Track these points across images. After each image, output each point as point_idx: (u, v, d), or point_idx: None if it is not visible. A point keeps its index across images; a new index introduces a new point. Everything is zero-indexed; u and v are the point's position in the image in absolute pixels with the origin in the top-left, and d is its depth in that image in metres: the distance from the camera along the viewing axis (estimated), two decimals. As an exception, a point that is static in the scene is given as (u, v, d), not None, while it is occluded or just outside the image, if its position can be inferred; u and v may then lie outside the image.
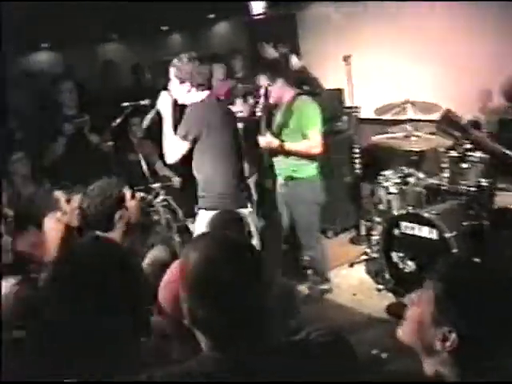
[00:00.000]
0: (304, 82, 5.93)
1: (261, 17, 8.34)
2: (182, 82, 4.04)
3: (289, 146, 4.89)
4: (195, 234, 4.28)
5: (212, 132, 3.99)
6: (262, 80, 4.88)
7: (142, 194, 6.06)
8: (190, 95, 4.07)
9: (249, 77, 6.11)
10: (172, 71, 4.06)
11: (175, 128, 4.04)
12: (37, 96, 6.59)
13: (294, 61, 6.44)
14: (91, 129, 5.47)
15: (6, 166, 5.15)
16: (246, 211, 4.11)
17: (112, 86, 6.81)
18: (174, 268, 2.21)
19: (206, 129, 3.96)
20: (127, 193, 3.08)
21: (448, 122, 4.23)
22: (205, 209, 4.10)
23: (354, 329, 4.48)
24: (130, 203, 3.05)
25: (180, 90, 4.06)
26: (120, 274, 1.66)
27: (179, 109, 4.13)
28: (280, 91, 4.91)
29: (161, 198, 6.04)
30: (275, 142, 4.89)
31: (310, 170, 4.99)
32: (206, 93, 4.09)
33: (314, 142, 4.84)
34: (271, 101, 4.93)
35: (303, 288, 5.37)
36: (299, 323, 3.17)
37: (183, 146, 4.01)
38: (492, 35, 5.99)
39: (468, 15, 6.16)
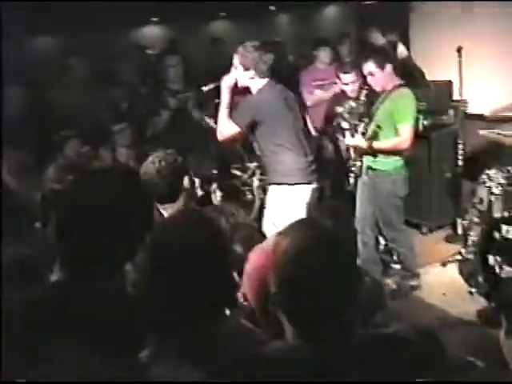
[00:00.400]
0: (408, 73, 5.77)
1: (371, 2, 8.16)
2: (247, 69, 4.27)
3: (377, 145, 4.78)
4: (267, 209, 4.57)
5: (273, 117, 4.26)
6: (370, 66, 4.77)
7: (237, 173, 6.15)
8: (251, 81, 4.32)
9: (356, 62, 5.99)
10: (237, 58, 4.30)
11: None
12: (144, 69, 6.73)
13: (401, 49, 6.28)
14: (195, 105, 5.54)
15: (108, 136, 5.30)
16: (312, 186, 4.41)
17: (217, 63, 6.86)
18: (257, 254, 2.18)
19: (263, 116, 4.25)
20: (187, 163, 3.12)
21: None
22: (274, 184, 4.43)
23: (441, 329, 4.35)
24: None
25: (243, 77, 4.30)
26: (210, 245, 1.65)
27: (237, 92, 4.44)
28: (386, 79, 4.79)
29: (256, 177, 6.07)
30: (363, 144, 4.80)
31: (393, 162, 4.87)
32: (266, 80, 4.33)
33: (403, 137, 4.74)
34: (377, 88, 4.84)
35: (390, 282, 5.26)
36: (386, 318, 3.11)
37: (234, 129, 4.31)
38: None
39: None
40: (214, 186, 4.34)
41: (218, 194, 4.29)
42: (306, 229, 1.67)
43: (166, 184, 3.02)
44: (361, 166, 5.01)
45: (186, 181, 3.09)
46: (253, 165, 6.11)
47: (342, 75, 5.40)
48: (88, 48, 7.11)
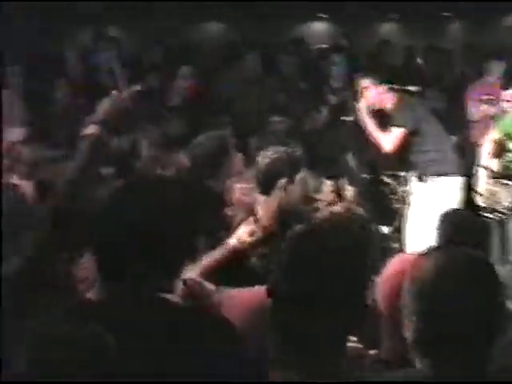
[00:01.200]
0: None
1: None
2: (378, 85, 4.75)
3: None
4: (416, 208, 4.92)
5: (426, 113, 4.88)
6: None
7: (388, 180, 5.98)
8: (385, 96, 4.76)
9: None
10: (366, 79, 4.79)
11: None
12: (307, 64, 6.74)
13: None
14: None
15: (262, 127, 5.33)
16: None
17: (383, 64, 6.72)
18: (398, 261, 2.06)
19: (421, 113, 4.82)
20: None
21: None
22: (435, 175, 4.79)
23: None
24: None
25: (376, 94, 4.75)
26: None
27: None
28: None
29: (406, 187, 5.88)
30: None
31: None
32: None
33: None
34: None
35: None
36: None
37: (400, 132, 4.68)
38: None
39: None
40: (343, 180, 4.35)
41: (350, 188, 4.26)
42: (447, 255, 1.56)
43: (272, 176, 2.97)
44: None
45: (299, 175, 3.03)
46: (404, 174, 5.91)
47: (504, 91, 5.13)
48: (255, 38, 7.26)
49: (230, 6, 7.87)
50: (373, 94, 4.77)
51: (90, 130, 2.54)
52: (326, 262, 1.47)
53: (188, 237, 1.59)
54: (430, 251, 1.59)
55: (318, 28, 8.97)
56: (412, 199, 5.03)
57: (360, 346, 2.00)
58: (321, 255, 1.48)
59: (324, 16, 9.02)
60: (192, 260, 2.25)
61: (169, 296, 1.59)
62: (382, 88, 4.77)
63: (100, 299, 1.53)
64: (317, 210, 3.81)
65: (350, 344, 1.79)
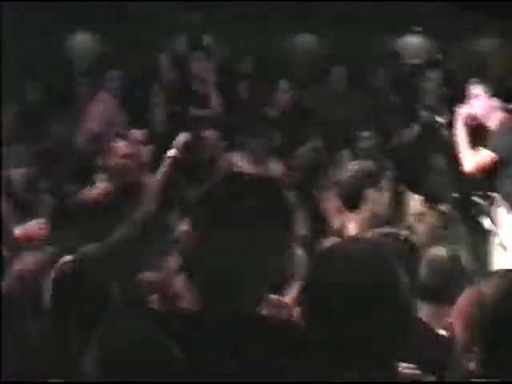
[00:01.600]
0: None
1: None
2: (492, 96, 4.27)
3: None
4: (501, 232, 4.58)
5: None
6: None
7: (477, 200, 5.82)
8: (493, 113, 4.27)
9: None
10: (477, 86, 4.31)
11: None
12: (400, 78, 6.66)
13: None
14: (445, 123, 5.36)
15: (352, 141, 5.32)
16: None
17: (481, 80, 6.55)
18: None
19: None
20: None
21: None
22: None
23: None
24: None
25: (485, 106, 4.25)
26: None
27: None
28: None
29: (497, 209, 5.72)
30: None
31: None
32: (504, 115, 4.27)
33: None
34: None
35: None
36: None
37: (490, 158, 4.22)
38: None
39: None
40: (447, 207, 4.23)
41: (437, 205, 4.19)
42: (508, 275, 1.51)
43: (352, 188, 3.00)
44: None
45: (383, 185, 3.05)
46: (494, 194, 5.75)
47: None
48: (347, 51, 7.23)
49: (322, 19, 7.88)
50: (481, 105, 4.30)
51: (172, 153, 2.76)
52: (344, 280, 1.33)
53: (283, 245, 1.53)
54: (490, 277, 1.54)
55: (413, 42, 8.81)
56: (499, 228, 4.67)
57: (417, 372, 1.94)
58: (339, 273, 1.35)
59: (419, 29, 8.86)
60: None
61: (261, 309, 1.59)
62: (493, 102, 4.31)
63: (193, 311, 1.55)
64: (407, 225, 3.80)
65: (406, 370, 1.75)
